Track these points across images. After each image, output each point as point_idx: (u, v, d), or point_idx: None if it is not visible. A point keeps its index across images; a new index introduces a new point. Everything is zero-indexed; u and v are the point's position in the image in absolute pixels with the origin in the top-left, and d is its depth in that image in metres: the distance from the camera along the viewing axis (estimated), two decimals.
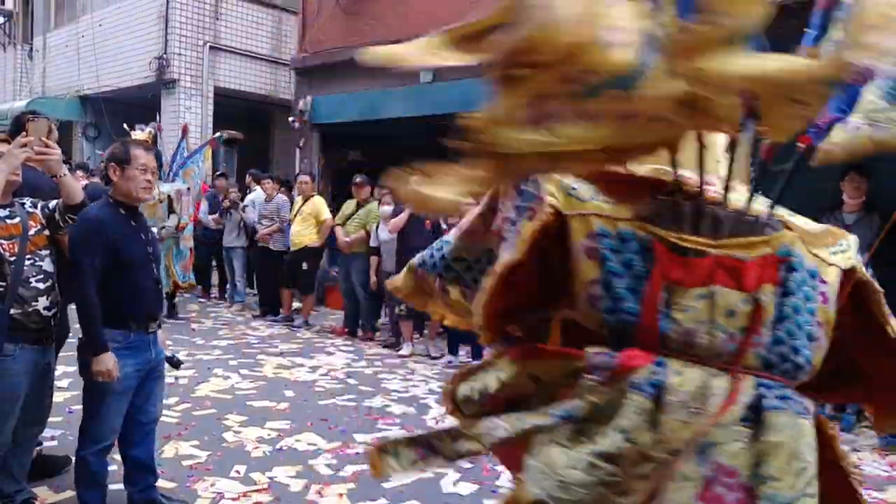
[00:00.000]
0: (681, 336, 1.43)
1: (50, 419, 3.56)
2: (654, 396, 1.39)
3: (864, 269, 1.64)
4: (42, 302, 2.98)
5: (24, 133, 2.94)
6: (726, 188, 1.48)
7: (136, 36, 13.77)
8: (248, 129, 12.97)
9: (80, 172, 8.95)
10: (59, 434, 4.30)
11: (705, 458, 1.36)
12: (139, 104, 14.31)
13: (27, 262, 2.93)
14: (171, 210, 8.03)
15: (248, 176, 10.44)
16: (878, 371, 1.65)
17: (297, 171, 10.86)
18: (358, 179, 8.26)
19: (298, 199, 8.61)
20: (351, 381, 6.19)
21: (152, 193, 3.42)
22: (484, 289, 1.52)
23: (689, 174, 1.52)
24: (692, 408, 1.38)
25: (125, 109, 14.86)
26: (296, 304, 9.13)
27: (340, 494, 3.74)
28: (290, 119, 11.47)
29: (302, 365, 6.64)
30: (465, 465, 4.23)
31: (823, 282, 1.50)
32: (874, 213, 5.40)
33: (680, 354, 1.43)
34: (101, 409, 3.07)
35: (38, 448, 3.64)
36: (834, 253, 1.55)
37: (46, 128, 3.03)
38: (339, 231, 8.17)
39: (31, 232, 2.98)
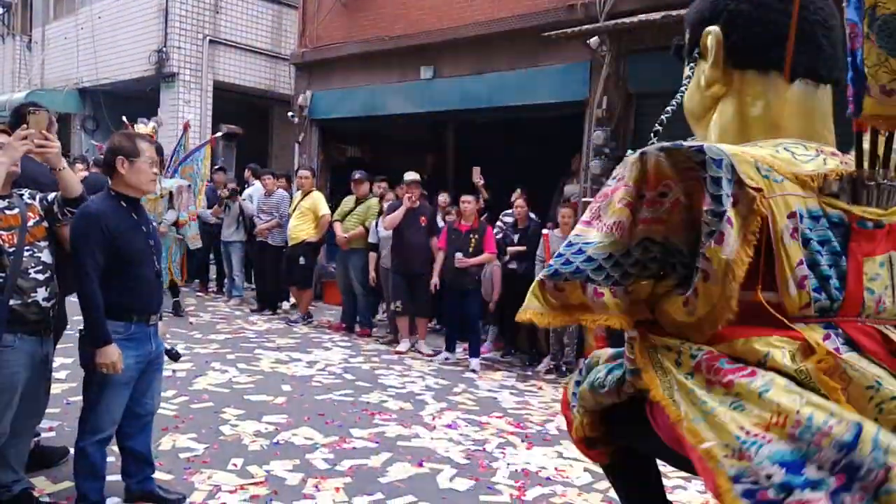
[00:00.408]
0: (874, 303, 1.48)
1: (48, 410, 3.57)
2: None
3: None
4: (41, 293, 2.98)
5: (24, 125, 2.94)
6: (874, 165, 1.54)
7: (135, 29, 13.75)
8: (247, 124, 12.99)
9: (79, 165, 8.96)
10: (56, 425, 4.30)
11: None
12: (138, 97, 14.31)
13: (26, 254, 2.94)
14: (170, 205, 8.04)
15: (246, 170, 10.45)
16: None
17: (296, 166, 10.86)
18: (357, 175, 8.25)
19: (298, 194, 8.61)
20: (348, 376, 6.20)
21: (155, 187, 3.44)
22: (726, 285, 1.40)
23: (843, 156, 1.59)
24: None
25: (124, 102, 14.88)
26: (292, 301, 9.16)
27: (337, 488, 3.75)
28: (290, 114, 11.47)
29: (299, 360, 6.65)
30: (462, 461, 4.25)
31: None
32: None
33: (866, 320, 1.47)
34: (103, 400, 3.08)
35: (35, 439, 3.64)
36: None
37: (47, 120, 3.03)
38: (337, 227, 8.18)
39: (30, 223, 2.99)
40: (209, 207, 9.41)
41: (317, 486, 3.76)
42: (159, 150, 8.17)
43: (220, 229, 9.57)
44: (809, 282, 1.44)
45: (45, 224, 3.08)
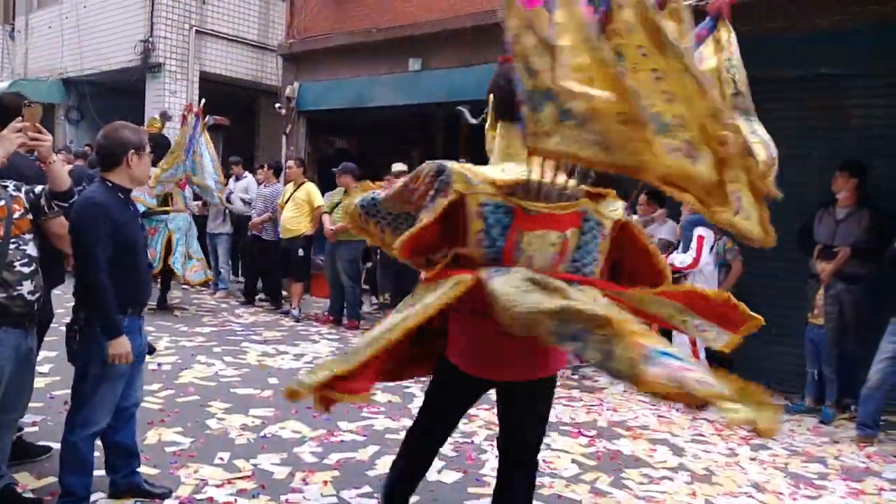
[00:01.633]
0: (525, 258, 2.45)
1: (31, 405, 3.53)
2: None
3: (627, 217, 2.68)
4: (26, 286, 2.96)
5: (19, 118, 2.94)
6: (555, 178, 2.46)
7: (120, 18, 13.60)
8: (234, 115, 12.86)
9: (61, 156, 8.87)
10: (40, 420, 4.27)
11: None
12: (123, 88, 14.17)
13: (11, 246, 2.91)
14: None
15: (237, 165, 10.31)
16: (639, 268, 2.72)
17: (283, 157, 10.80)
18: (339, 168, 8.21)
19: (289, 186, 8.54)
20: None
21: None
22: (409, 232, 2.51)
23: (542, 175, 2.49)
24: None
25: (109, 93, 14.74)
26: (284, 293, 9.13)
27: (325, 482, 3.74)
28: (277, 105, 11.39)
29: (286, 353, 6.63)
30: (450, 453, 4.25)
31: (603, 226, 2.58)
32: (864, 209, 5.50)
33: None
34: (98, 393, 3.06)
35: (18, 433, 3.61)
36: (611, 211, 2.62)
37: (41, 114, 3.02)
38: (325, 219, 8.13)
39: (15, 215, 2.96)
40: (195, 199, 9.33)
41: (304, 480, 3.75)
42: (166, 144, 8.15)
43: (206, 221, 9.52)
44: (484, 243, 2.46)
45: (31, 217, 3.05)
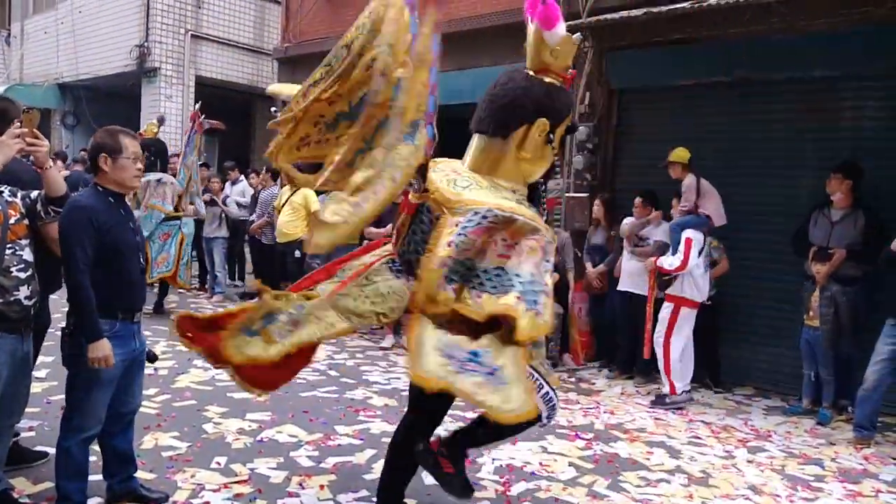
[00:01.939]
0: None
1: (27, 410, 3.52)
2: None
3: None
4: (23, 291, 2.95)
5: (17, 124, 2.95)
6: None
7: (116, 23, 13.61)
8: (230, 119, 12.85)
9: (59, 163, 8.88)
10: (36, 425, 4.26)
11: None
12: (119, 92, 14.17)
13: (8, 251, 2.91)
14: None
15: (233, 170, 10.33)
16: None
17: None
18: None
19: (285, 190, 8.53)
20: (332, 372, 6.19)
21: (140, 183, 3.44)
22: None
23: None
24: None
25: (104, 98, 14.74)
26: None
27: (322, 486, 3.74)
28: (273, 109, 11.35)
29: None
30: None
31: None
32: (859, 211, 5.52)
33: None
34: (87, 399, 3.05)
35: (14, 438, 3.60)
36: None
37: (38, 120, 3.04)
38: None
39: (11, 221, 2.95)
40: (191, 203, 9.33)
41: (301, 484, 3.74)
42: (163, 149, 8.13)
43: (203, 225, 9.51)
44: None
45: (27, 222, 3.05)
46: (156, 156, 7.99)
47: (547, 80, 2.96)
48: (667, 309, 5.87)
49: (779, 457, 4.76)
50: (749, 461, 4.63)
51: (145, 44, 12.89)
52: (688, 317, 5.84)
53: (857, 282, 5.48)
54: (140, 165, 3.18)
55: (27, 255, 3.00)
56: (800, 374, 5.94)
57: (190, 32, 13.24)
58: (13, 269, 2.93)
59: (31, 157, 3.13)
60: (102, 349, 2.94)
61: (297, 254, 8.29)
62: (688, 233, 5.71)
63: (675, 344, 5.83)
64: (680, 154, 6.17)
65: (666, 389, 5.90)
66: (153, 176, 7.92)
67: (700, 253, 5.76)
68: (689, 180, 6.03)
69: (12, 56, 16.99)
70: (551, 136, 2.97)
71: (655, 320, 5.93)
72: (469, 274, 2.65)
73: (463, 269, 2.65)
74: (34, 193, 3.08)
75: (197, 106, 8.62)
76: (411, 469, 3.24)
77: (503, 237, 2.69)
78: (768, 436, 5.21)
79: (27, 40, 16.42)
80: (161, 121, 8.63)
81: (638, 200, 6.61)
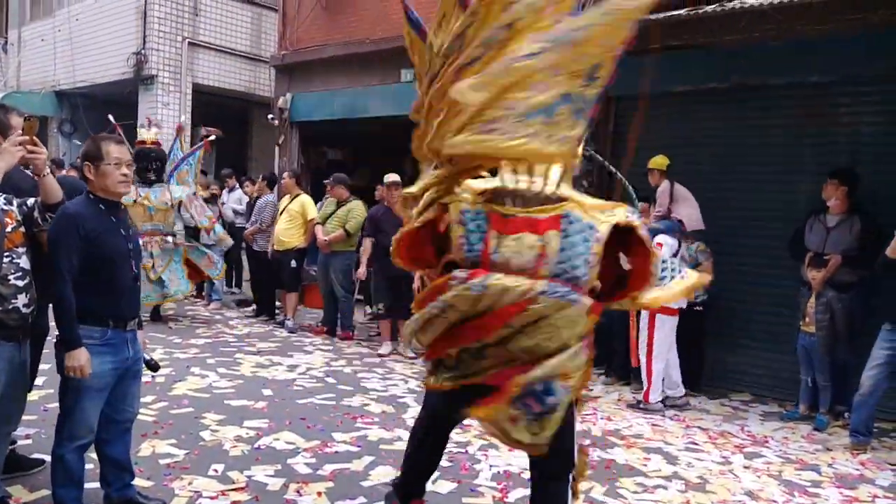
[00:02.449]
0: (503, 261, 2.64)
1: (24, 417, 3.52)
2: (482, 288, 2.61)
3: (631, 220, 2.82)
4: (21, 299, 2.96)
5: (18, 132, 2.96)
6: (532, 183, 2.76)
7: (113, 31, 13.61)
8: (227, 127, 12.88)
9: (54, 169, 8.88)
10: (33, 432, 4.25)
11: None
12: (116, 100, 14.16)
13: (5, 260, 2.91)
14: (178, 215, 8.10)
15: (230, 177, 10.35)
16: (633, 267, 2.94)
17: (276, 169, 10.82)
18: (331, 179, 8.24)
19: (285, 199, 8.55)
20: (329, 379, 6.18)
21: (130, 188, 3.39)
22: (397, 237, 2.95)
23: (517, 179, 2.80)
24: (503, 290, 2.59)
25: (102, 105, 14.71)
26: (277, 304, 9.11)
27: (319, 493, 3.73)
28: (270, 117, 11.40)
29: (280, 364, 6.62)
30: (445, 463, 4.24)
31: (597, 230, 2.71)
32: (855, 217, 5.54)
33: (502, 270, 2.63)
34: (78, 406, 3.04)
35: (11, 446, 3.59)
36: (607, 216, 2.76)
37: (37, 127, 3.06)
38: (318, 230, 8.13)
39: (8, 229, 2.96)
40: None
41: (299, 492, 3.74)
42: (160, 157, 8.13)
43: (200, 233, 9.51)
44: (464, 247, 2.72)
45: (24, 230, 3.05)
46: (159, 165, 8.03)
47: None
48: (644, 317, 5.84)
49: (775, 462, 4.76)
50: (746, 467, 4.63)
51: (142, 51, 12.90)
52: (666, 324, 5.84)
53: (852, 287, 5.50)
54: (126, 170, 3.12)
55: (24, 262, 3.00)
56: (797, 379, 5.95)
57: (187, 40, 13.25)
58: (11, 277, 2.93)
59: (30, 165, 3.14)
60: (77, 359, 2.93)
61: (294, 263, 8.30)
62: (659, 238, 5.71)
63: (656, 351, 5.82)
64: (658, 161, 6.30)
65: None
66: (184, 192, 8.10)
67: (676, 255, 5.75)
68: (663, 186, 6.16)
69: (9, 63, 16.98)
70: None
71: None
72: None
73: None
74: (31, 201, 3.09)
75: (183, 119, 8.65)
76: None
77: None
78: (765, 441, 5.22)
79: (24, 48, 16.42)
80: (150, 124, 8.61)
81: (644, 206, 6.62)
